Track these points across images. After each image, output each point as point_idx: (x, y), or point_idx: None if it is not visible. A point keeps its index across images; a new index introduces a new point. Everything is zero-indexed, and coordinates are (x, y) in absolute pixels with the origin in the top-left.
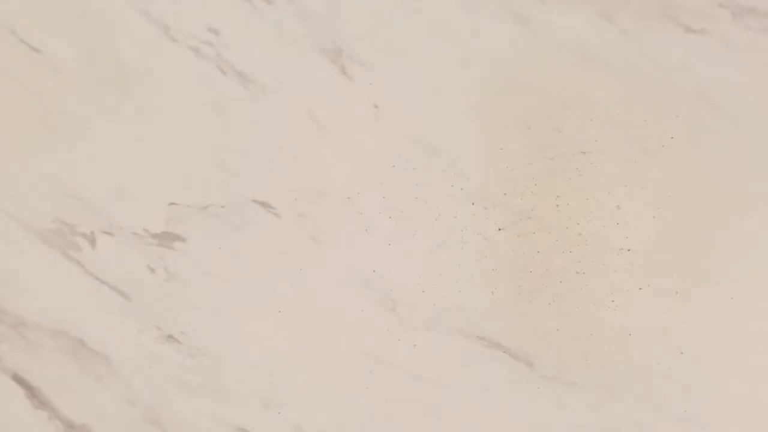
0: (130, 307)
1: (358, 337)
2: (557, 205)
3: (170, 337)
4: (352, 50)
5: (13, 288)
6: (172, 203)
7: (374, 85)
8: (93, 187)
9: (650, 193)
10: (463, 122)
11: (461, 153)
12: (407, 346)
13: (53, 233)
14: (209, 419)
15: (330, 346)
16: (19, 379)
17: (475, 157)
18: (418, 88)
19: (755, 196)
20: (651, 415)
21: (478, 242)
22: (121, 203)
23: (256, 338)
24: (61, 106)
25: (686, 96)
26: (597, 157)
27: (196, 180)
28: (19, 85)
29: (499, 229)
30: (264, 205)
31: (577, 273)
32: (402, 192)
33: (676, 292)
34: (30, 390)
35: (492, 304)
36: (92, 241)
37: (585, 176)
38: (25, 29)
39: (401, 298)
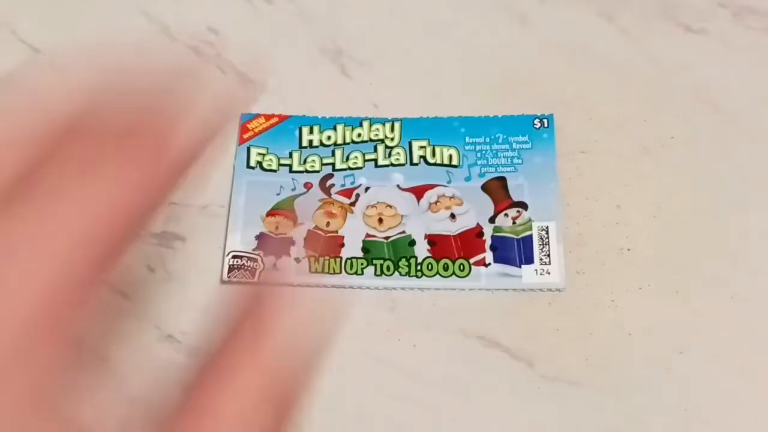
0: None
1: (358, 337)
2: None
3: (170, 337)
4: (352, 50)
5: None
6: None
7: (374, 85)
8: None
9: (650, 193)
10: None
11: None
12: (407, 346)
13: None
14: None
15: (330, 345)
16: None
17: None
18: (418, 88)
19: (755, 196)
20: (651, 415)
21: None
22: None
23: None
24: None
25: (686, 96)
26: (597, 157)
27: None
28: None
29: None
30: None
31: (577, 273)
32: None
33: (676, 292)
34: None
35: (492, 304)
36: None
37: (585, 176)
38: (25, 29)
39: (401, 298)
